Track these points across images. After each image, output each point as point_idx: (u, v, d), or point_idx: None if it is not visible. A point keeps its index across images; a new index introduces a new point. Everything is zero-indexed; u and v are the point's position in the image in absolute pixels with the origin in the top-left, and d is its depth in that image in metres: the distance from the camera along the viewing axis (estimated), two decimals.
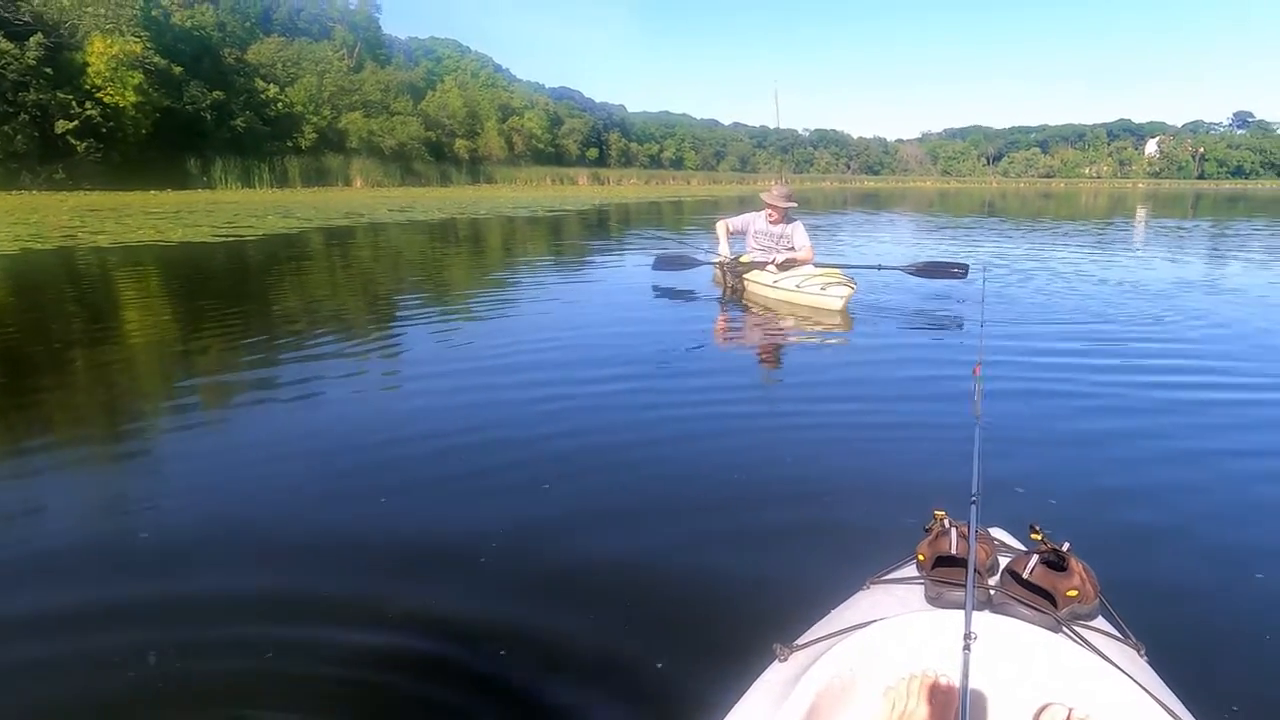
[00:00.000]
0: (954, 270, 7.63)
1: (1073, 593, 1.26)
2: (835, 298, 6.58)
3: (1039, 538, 1.37)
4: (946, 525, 1.42)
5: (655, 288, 7.86)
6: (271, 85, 43.50)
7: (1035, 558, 1.31)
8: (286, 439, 3.46)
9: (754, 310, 6.85)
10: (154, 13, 38.11)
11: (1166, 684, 1.21)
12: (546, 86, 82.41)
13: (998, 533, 1.62)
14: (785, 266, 7.30)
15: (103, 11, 33.90)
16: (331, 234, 14.60)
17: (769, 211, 7.50)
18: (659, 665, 1.82)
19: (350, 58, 52.21)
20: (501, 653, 1.88)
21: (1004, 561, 1.40)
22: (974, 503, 1.45)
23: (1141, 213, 27.98)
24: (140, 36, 34.79)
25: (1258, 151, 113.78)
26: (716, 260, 8.34)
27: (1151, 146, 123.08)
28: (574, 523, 2.61)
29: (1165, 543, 2.48)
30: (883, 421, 3.74)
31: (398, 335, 5.87)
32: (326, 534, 2.49)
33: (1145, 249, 13.57)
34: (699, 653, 1.86)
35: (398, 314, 6.84)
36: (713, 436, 3.52)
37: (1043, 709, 1.06)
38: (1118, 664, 1.12)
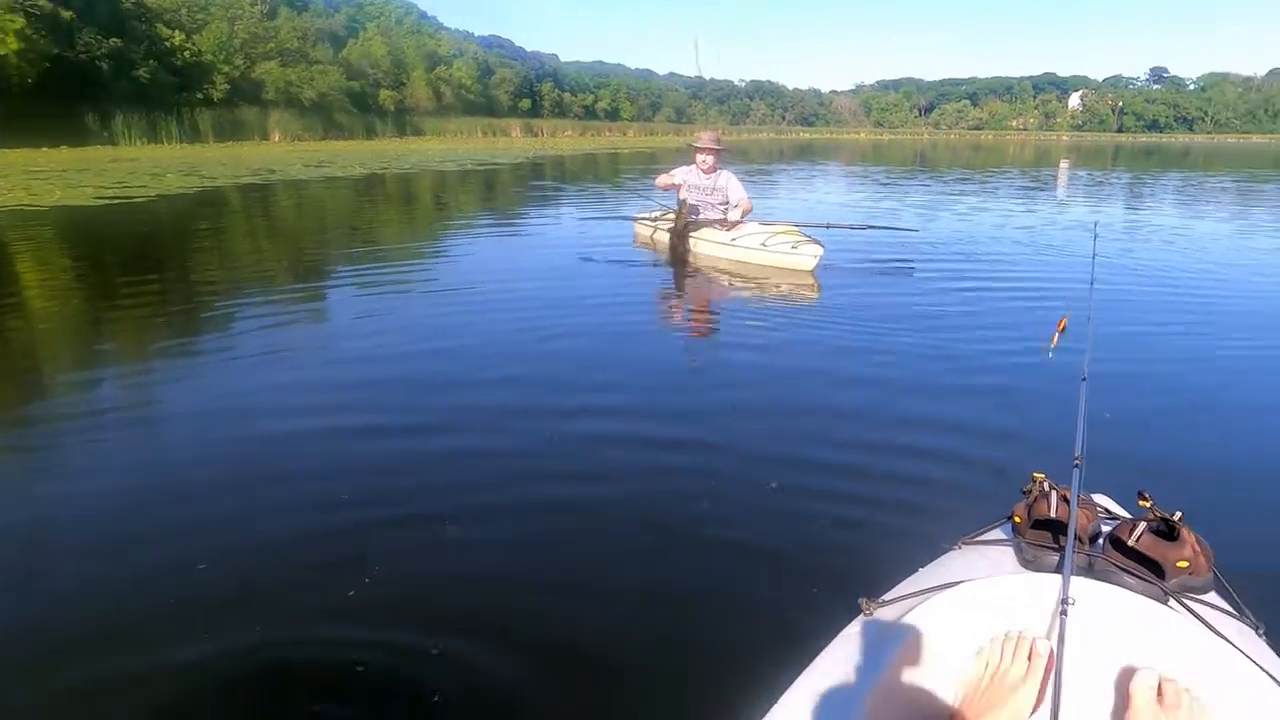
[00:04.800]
0: (903, 230, 7.53)
1: (1183, 564, 1.18)
2: (807, 257, 6.25)
3: (1148, 505, 1.28)
4: (1046, 488, 1.34)
5: (596, 256, 7.31)
6: (176, 32, 40.52)
7: (1143, 525, 1.22)
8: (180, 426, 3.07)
9: (712, 273, 6.42)
10: None
11: None
12: (476, 35, 79.50)
13: (1102, 499, 1.56)
14: (698, 224, 6.97)
15: None
16: (237, 194, 13.52)
17: (700, 159, 7.09)
18: (743, 619, 1.84)
19: (264, 3, 49.01)
20: (560, 616, 1.89)
21: (1108, 529, 1.31)
22: (1077, 466, 1.38)
23: (1064, 165, 28.63)
24: None
25: (1171, 106, 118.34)
26: (640, 216, 7.93)
27: (1075, 100, 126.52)
28: (648, 476, 2.62)
29: None
30: (949, 384, 3.63)
31: (277, 319, 5.34)
32: (248, 517, 2.39)
33: (1072, 199, 13.75)
34: (784, 607, 1.87)
35: (275, 290, 6.22)
36: (767, 406, 3.36)
37: (1139, 674, 0.99)
38: (1231, 640, 1.05)
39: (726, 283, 6.10)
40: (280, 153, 28.67)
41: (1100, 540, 1.28)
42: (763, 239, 6.50)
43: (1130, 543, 1.20)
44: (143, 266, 6.96)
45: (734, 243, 6.71)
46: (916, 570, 1.38)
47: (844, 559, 2.07)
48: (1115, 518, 1.44)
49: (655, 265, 6.99)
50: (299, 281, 6.33)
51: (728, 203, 7.14)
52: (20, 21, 30.89)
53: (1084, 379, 1.73)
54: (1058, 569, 1.16)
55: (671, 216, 7.25)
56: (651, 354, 4.21)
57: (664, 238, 7.34)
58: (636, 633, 1.83)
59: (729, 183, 7.14)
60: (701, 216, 7.12)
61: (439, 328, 4.70)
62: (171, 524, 2.34)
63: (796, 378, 3.70)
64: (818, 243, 6.28)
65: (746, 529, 2.25)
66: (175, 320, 5.02)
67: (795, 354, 4.10)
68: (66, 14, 33.89)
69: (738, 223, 6.94)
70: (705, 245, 6.98)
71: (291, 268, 7.00)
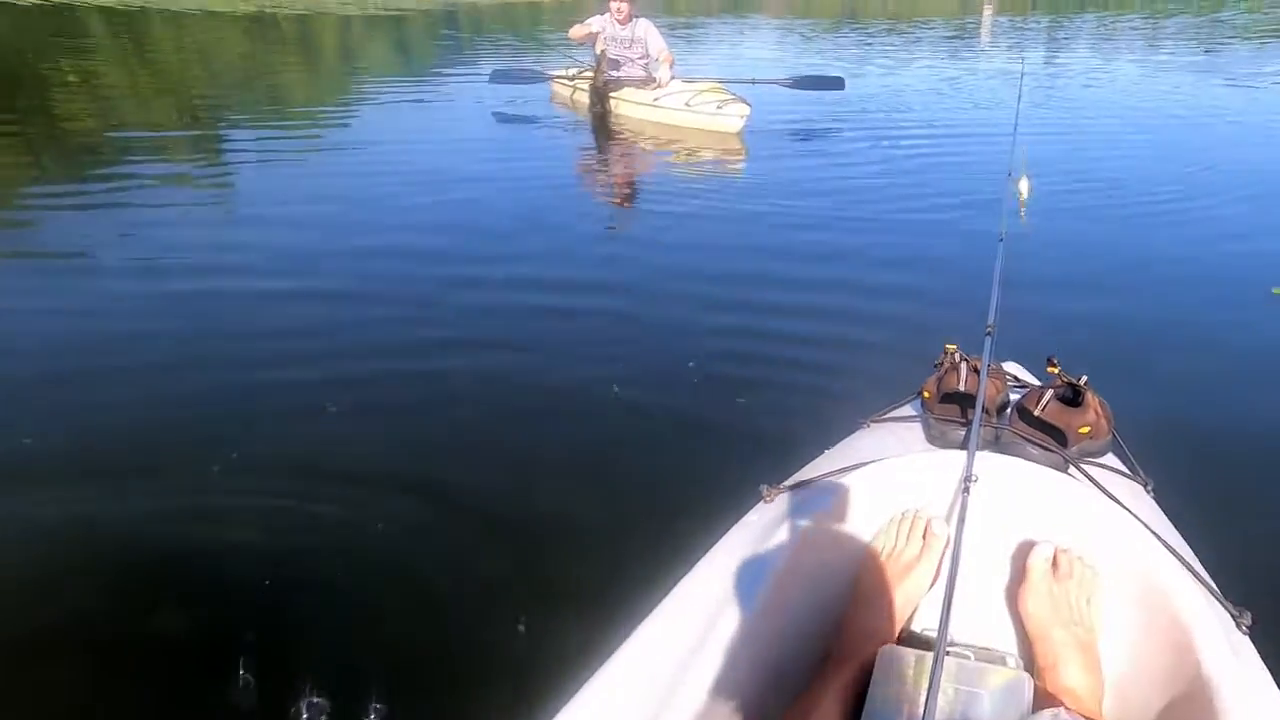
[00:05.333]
0: (831, 82, 7.26)
1: (1085, 429, 1.19)
2: (734, 118, 6.02)
3: (1056, 371, 1.26)
4: (957, 360, 1.31)
5: (509, 116, 6.88)
6: None
7: (1050, 393, 1.22)
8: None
9: (634, 136, 6.17)
10: None
11: (1169, 519, 1.17)
12: None
13: (1012, 367, 1.54)
14: (619, 84, 6.65)
15: None
16: (98, 20, 11.93)
17: (615, 7, 6.60)
18: (640, 510, 1.80)
19: None
20: (456, 515, 1.80)
21: (1016, 399, 1.30)
22: (989, 334, 1.33)
23: (988, 11, 28.13)
24: None
25: None
26: (557, 74, 7.49)
27: None
28: (557, 347, 2.56)
29: (1188, 381, 2.46)
30: (870, 250, 3.53)
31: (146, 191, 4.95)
32: (121, 374, 2.29)
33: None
34: (682, 498, 1.79)
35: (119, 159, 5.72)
36: (683, 277, 3.25)
37: (1036, 548, 1.00)
38: (1120, 500, 1.06)
39: (648, 146, 5.93)
40: None
41: (1008, 411, 1.28)
42: (686, 98, 6.22)
43: (1036, 412, 1.20)
44: None
45: (656, 103, 6.43)
46: (823, 451, 1.33)
47: (752, 440, 2.06)
48: (1025, 386, 1.44)
49: (574, 127, 6.69)
50: (189, 131, 5.90)
51: (648, 55, 6.77)
52: None
53: (1001, 239, 1.66)
54: (964, 444, 1.13)
55: (590, 74, 6.86)
56: (566, 221, 4.10)
57: (584, 98, 6.98)
58: (526, 505, 1.83)
59: (648, 33, 6.71)
60: (622, 71, 6.77)
61: (343, 188, 4.52)
62: (41, 376, 2.28)
63: (716, 248, 3.66)
64: (744, 102, 6.06)
65: (654, 407, 2.24)
66: (49, 166, 4.69)
67: (716, 223, 4.05)
68: None
69: (660, 82, 6.61)
70: (627, 106, 6.68)
71: (180, 117, 6.46)
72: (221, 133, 5.98)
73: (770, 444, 1.97)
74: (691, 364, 2.49)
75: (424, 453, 2.03)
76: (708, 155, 5.59)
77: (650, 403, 2.28)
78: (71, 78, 7.36)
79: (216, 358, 2.44)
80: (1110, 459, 1.26)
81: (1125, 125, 6.54)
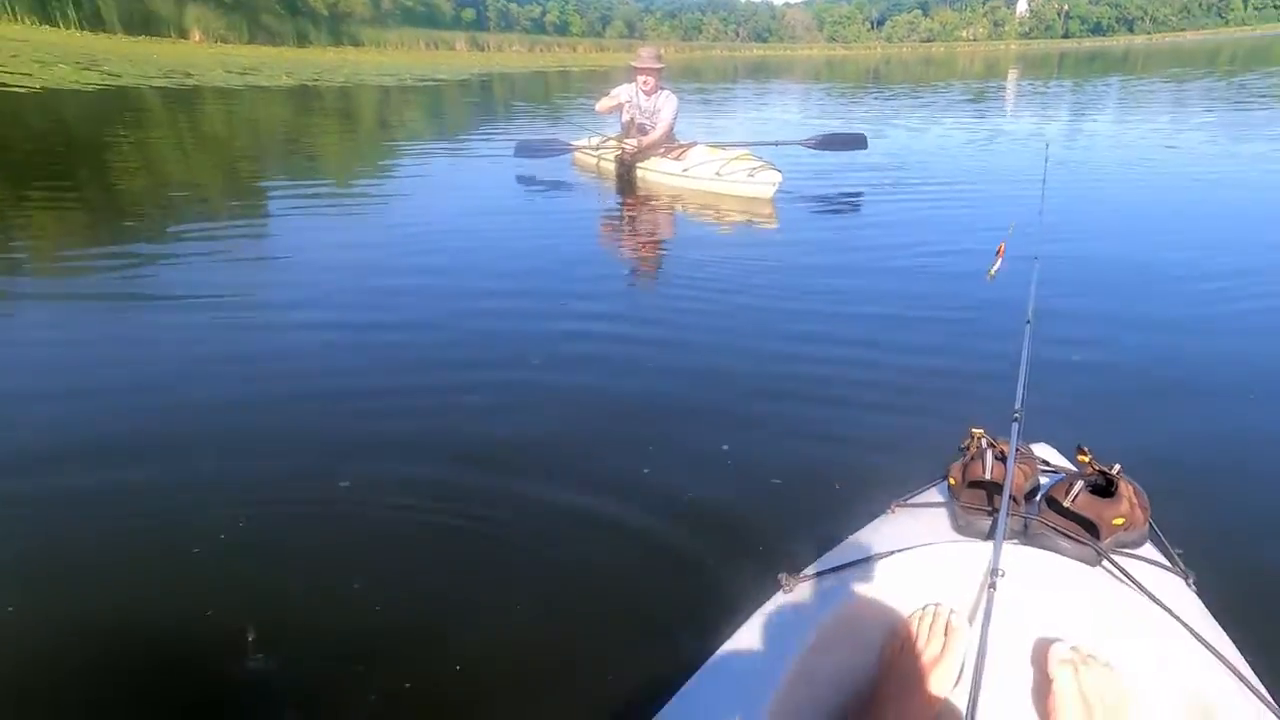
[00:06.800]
0: (854, 140, 7.22)
1: (1119, 520, 1.14)
2: (765, 184, 5.97)
3: (1086, 459, 1.21)
4: (984, 445, 1.26)
5: (534, 180, 6.97)
6: None
7: (1080, 484, 1.16)
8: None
9: (661, 203, 6.18)
10: None
11: (1212, 613, 1.12)
12: None
13: (1043, 450, 1.48)
14: (644, 154, 6.73)
15: None
16: (150, 98, 12.48)
17: (643, 79, 6.68)
18: (651, 598, 1.68)
19: None
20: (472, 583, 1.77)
21: (1047, 482, 1.27)
22: (1016, 419, 1.30)
23: (1013, 75, 28.55)
24: None
25: (1114, 6, 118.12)
26: (580, 145, 7.57)
27: (1022, 5, 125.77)
28: (577, 423, 2.48)
29: (1230, 465, 2.27)
30: (897, 325, 3.34)
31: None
32: (181, 453, 2.26)
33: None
34: (696, 585, 1.70)
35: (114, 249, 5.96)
36: (699, 348, 3.13)
37: (1066, 648, 0.95)
38: (1157, 596, 1.02)
39: (677, 212, 5.92)
40: (198, 55, 26.80)
41: (1037, 499, 1.22)
42: (716, 167, 6.23)
43: (1066, 503, 1.15)
44: (55, 169, 6.55)
45: (686, 173, 6.45)
46: (844, 537, 1.29)
47: (770, 523, 1.92)
48: (1057, 470, 1.38)
49: (600, 194, 6.79)
50: (234, 197, 6.15)
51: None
52: None
53: (1028, 322, 1.62)
54: (991, 535, 1.10)
55: (614, 143, 7.00)
56: (588, 289, 3.95)
57: (609, 166, 7.08)
58: (539, 580, 1.75)
59: (665, 104, 6.77)
60: (646, 137, 6.86)
61: (369, 239, 4.80)
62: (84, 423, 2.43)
63: (739, 317, 3.51)
64: (776, 169, 6.03)
65: (669, 488, 2.09)
66: (101, 224, 4.98)
67: (741, 292, 3.86)
68: None
69: (685, 147, 6.70)
70: (655, 175, 6.71)
71: (224, 177, 6.74)
72: (260, 189, 6.30)
73: (789, 531, 1.87)
74: (725, 446, 2.33)
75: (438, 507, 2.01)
76: (738, 221, 5.54)
77: (666, 484, 2.12)
78: (126, 147, 7.80)
79: (240, 377, 2.73)
80: (1148, 551, 1.20)
81: (1157, 194, 6.36)
